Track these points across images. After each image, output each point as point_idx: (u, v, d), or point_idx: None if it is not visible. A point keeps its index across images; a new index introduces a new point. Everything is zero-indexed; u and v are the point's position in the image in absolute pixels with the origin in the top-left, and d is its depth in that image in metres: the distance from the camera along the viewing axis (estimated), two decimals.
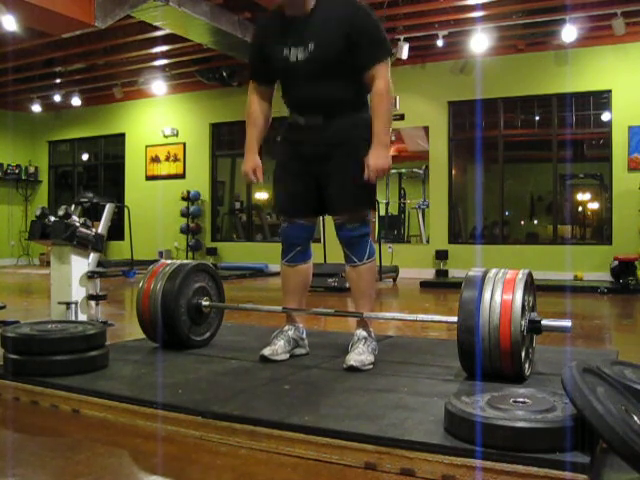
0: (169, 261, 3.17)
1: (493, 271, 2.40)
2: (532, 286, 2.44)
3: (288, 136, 2.82)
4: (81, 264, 3.77)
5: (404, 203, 10.75)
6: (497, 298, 2.26)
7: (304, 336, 2.90)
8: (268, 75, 2.77)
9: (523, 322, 2.25)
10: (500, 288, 2.28)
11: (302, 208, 2.79)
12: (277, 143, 2.86)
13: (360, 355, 2.61)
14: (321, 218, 8.33)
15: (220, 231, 11.41)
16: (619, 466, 1.56)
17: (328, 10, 2.56)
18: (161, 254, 10.69)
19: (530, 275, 2.41)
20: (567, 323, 2.37)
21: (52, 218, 3.72)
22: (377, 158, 2.54)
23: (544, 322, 2.36)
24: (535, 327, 2.36)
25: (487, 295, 2.28)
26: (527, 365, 2.35)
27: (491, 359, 2.25)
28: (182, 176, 11.22)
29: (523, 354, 2.27)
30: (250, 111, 2.81)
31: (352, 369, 2.54)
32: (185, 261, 3.15)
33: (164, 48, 8.87)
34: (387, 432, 1.76)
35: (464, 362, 2.34)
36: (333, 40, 2.54)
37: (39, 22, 6.67)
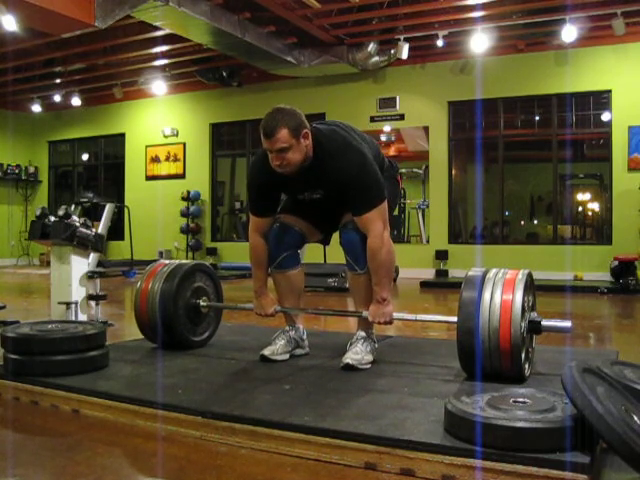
0: (167, 261, 3.17)
1: (493, 271, 2.40)
2: (532, 286, 2.44)
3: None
4: (81, 264, 3.77)
5: (404, 203, 10.74)
6: (497, 298, 2.26)
7: (304, 337, 2.90)
8: (271, 209, 2.77)
9: (523, 323, 2.25)
10: (500, 288, 2.28)
11: (307, 210, 2.78)
12: None
13: (356, 354, 2.61)
14: None
15: (220, 231, 11.41)
16: (619, 466, 1.56)
17: (329, 164, 2.52)
18: (161, 254, 10.69)
19: (530, 275, 2.40)
20: (567, 324, 2.37)
21: (52, 218, 3.72)
22: (378, 316, 2.58)
23: (544, 322, 2.36)
24: (535, 327, 2.36)
25: (487, 295, 2.28)
26: (527, 365, 2.35)
27: (491, 360, 2.25)
28: (182, 176, 11.22)
29: (523, 355, 2.26)
30: (255, 254, 2.80)
31: (348, 367, 2.55)
32: (183, 261, 3.15)
33: (164, 48, 8.87)
34: (387, 432, 1.76)
35: (464, 363, 2.34)
36: (337, 188, 2.55)
37: (39, 22, 6.67)
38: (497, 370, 2.27)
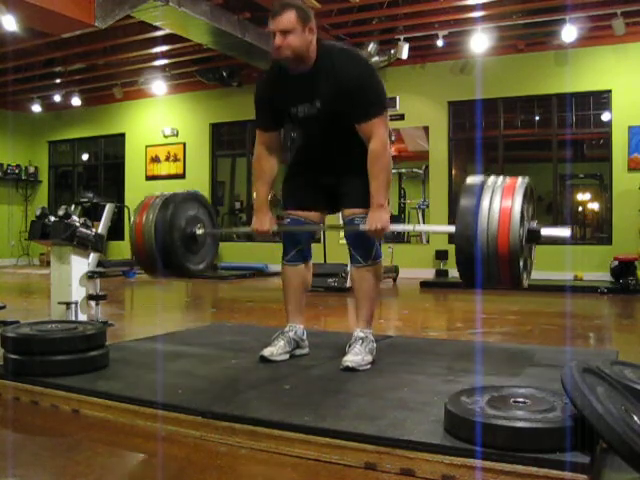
0: (158, 193, 3.09)
1: (491, 178, 2.35)
2: (532, 195, 2.39)
3: (296, 170, 2.87)
4: (81, 264, 3.77)
5: (404, 203, 10.75)
6: (496, 205, 2.21)
7: (304, 337, 2.90)
8: (275, 121, 2.76)
9: (522, 230, 2.21)
10: (499, 195, 2.24)
11: (310, 199, 2.79)
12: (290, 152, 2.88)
13: (356, 356, 2.61)
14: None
15: None
16: (619, 466, 1.56)
17: (331, 67, 2.54)
18: None
19: (530, 184, 2.36)
20: (566, 232, 2.35)
21: (52, 218, 3.72)
22: (375, 221, 2.53)
23: (543, 231, 2.32)
24: (534, 236, 2.32)
25: (486, 203, 2.23)
26: (525, 275, 2.31)
27: (489, 267, 2.20)
28: (182, 176, 11.22)
29: (521, 263, 2.23)
30: (258, 166, 2.79)
31: (348, 370, 2.55)
32: (176, 191, 3.10)
33: (164, 48, 8.87)
34: (387, 432, 1.76)
35: (462, 270, 2.30)
36: (337, 98, 2.54)
37: (39, 22, 6.66)
38: (495, 277, 2.23)
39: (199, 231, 2.99)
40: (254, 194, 2.86)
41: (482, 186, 2.29)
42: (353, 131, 2.58)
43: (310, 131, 2.73)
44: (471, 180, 2.37)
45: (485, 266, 2.21)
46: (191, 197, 3.07)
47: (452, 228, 2.32)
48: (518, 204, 2.19)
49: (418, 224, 2.70)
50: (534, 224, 2.34)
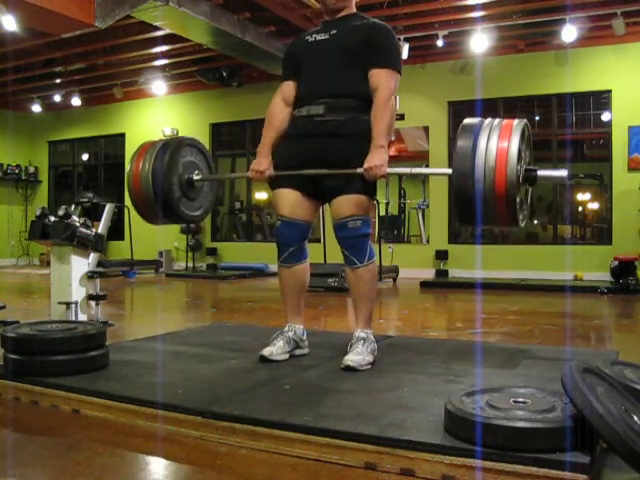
0: (154, 140, 3.08)
1: (488, 120, 2.36)
2: (529, 138, 2.40)
3: (289, 132, 2.84)
4: (81, 264, 3.77)
5: (404, 203, 10.75)
6: (493, 145, 2.23)
7: (304, 337, 2.90)
8: (295, 68, 2.85)
9: (519, 168, 2.21)
10: (496, 135, 2.25)
11: (300, 182, 2.75)
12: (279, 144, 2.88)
13: (357, 355, 2.61)
14: (321, 220, 8.36)
15: (220, 231, 11.41)
16: (619, 466, 1.56)
17: (356, 21, 2.78)
18: (161, 254, 10.68)
19: (527, 125, 2.37)
20: (563, 172, 2.35)
21: (52, 218, 3.72)
22: (373, 160, 2.55)
23: (540, 172, 2.33)
24: (531, 176, 2.33)
25: (482, 143, 2.25)
26: (521, 216, 2.32)
27: (486, 205, 2.22)
28: None
29: (518, 200, 2.23)
30: (271, 112, 2.88)
31: (349, 369, 2.54)
32: (171, 138, 3.08)
33: (164, 48, 8.87)
34: (387, 432, 1.76)
35: (460, 210, 2.31)
36: (352, 35, 2.72)
37: (39, 22, 6.66)
38: (492, 216, 2.25)
39: (196, 177, 2.99)
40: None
41: (479, 126, 2.31)
42: (350, 80, 2.69)
43: (311, 65, 2.79)
44: (468, 120, 2.38)
45: (482, 205, 2.23)
46: (188, 143, 3.06)
47: (450, 170, 2.33)
48: (515, 144, 2.21)
49: (415, 168, 2.71)
50: (531, 165, 2.36)
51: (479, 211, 2.22)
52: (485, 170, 2.19)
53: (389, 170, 2.60)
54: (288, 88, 2.86)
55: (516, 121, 2.31)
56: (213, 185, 3.20)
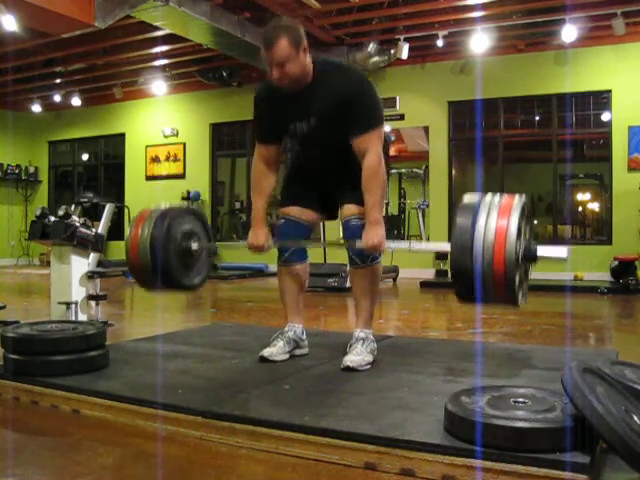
0: (154, 207, 3.07)
1: (488, 197, 2.34)
2: (530, 214, 2.39)
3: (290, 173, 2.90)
4: (81, 264, 3.77)
5: (404, 203, 10.75)
6: (492, 223, 2.21)
7: (304, 337, 2.90)
8: (275, 135, 2.75)
9: (518, 247, 2.21)
10: (496, 213, 2.23)
11: (307, 198, 2.80)
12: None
13: (357, 356, 2.61)
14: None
15: (220, 231, 11.40)
16: (619, 466, 1.56)
17: (328, 84, 2.53)
18: None
19: (527, 202, 2.35)
20: (563, 252, 2.34)
21: (52, 218, 3.72)
22: (370, 237, 2.51)
23: (540, 249, 2.31)
24: (531, 254, 2.30)
25: (482, 220, 2.23)
26: (521, 293, 2.31)
27: (485, 284, 2.19)
28: (182, 176, 11.22)
29: (517, 280, 2.22)
30: (257, 180, 2.79)
31: (349, 370, 2.54)
32: (172, 205, 3.10)
33: (164, 48, 8.87)
34: (387, 432, 1.76)
35: (458, 288, 2.30)
36: (333, 113, 2.54)
37: (39, 22, 6.66)
38: (491, 296, 2.23)
39: (195, 245, 3.00)
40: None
41: (479, 204, 2.31)
42: (351, 150, 2.58)
43: (308, 148, 2.75)
44: (468, 198, 2.38)
45: (481, 282, 2.21)
46: (187, 211, 3.09)
47: (448, 246, 2.33)
48: (515, 222, 2.20)
49: (414, 243, 2.69)
50: (531, 243, 2.35)
51: (478, 288, 2.21)
52: (484, 247, 2.19)
53: (389, 244, 2.60)
54: (270, 152, 2.75)
55: (516, 199, 2.31)
56: (211, 252, 3.18)
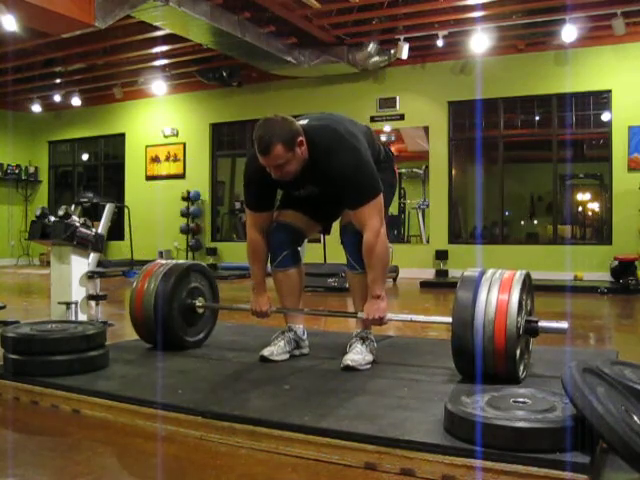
0: (163, 261, 3.15)
1: (490, 271, 2.38)
2: (530, 288, 2.42)
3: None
4: (81, 264, 3.77)
5: (404, 203, 10.74)
6: (493, 298, 2.24)
7: (304, 337, 2.90)
8: (267, 202, 2.76)
9: (519, 320, 2.23)
10: (496, 288, 2.26)
11: (304, 207, 2.80)
12: None
13: (357, 355, 2.61)
14: None
15: (220, 231, 11.40)
16: (619, 466, 1.56)
17: (318, 166, 2.50)
18: (161, 254, 10.68)
19: (528, 276, 2.39)
20: (564, 325, 2.35)
21: (52, 218, 3.72)
22: (372, 312, 2.55)
23: (541, 323, 2.34)
24: (532, 328, 2.33)
25: (483, 296, 2.26)
26: (522, 367, 2.33)
27: (485, 360, 2.22)
28: (182, 176, 11.22)
29: (518, 354, 2.24)
30: (252, 249, 2.80)
31: (348, 369, 2.55)
32: (179, 261, 3.14)
33: (164, 48, 8.87)
34: (387, 432, 1.76)
35: (458, 363, 2.33)
36: (328, 186, 2.57)
37: (39, 22, 6.66)
38: (491, 370, 2.25)
39: (199, 303, 3.02)
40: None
41: (480, 278, 2.31)
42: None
43: (311, 199, 2.76)
44: (469, 272, 2.39)
45: (482, 356, 2.23)
46: (195, 268, 3.11)
47: (449, 319, 2.33)
48: (516, 296, 2.22)
49: (414, 316, 2.71)
50: (531, 316, 2.36)
51: (478, 362, 2.22)
52: (485, 321, 2.20)
53: (391, 317, 2.62)
54: (263, 219, 2.76)
55: (517, 274, 2.32)
56: (214, 311, 3.23)
